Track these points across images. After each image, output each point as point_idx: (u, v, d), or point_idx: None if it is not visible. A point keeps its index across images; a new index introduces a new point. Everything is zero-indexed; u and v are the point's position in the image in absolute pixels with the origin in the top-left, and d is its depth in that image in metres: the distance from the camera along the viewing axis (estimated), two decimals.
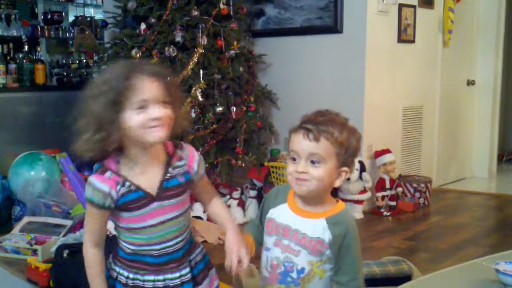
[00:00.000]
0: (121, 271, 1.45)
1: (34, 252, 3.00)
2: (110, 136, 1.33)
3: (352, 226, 1.45)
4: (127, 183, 1.38)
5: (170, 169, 1.43)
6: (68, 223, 3.29)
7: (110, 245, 1.49)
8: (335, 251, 1.43)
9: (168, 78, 1.40)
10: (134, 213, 1.40)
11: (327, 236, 1.42)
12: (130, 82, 1.32)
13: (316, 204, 1.46)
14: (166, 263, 1.44)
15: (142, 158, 1.39)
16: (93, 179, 1.38)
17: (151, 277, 1.43)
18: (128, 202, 1.38)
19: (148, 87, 1.33)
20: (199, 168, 1.49)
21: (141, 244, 1.42)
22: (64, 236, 3.12)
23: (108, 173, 1.37)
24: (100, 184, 1.37)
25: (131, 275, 1.44)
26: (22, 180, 3.70)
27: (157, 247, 1.43)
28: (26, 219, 3.37)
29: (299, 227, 1.45)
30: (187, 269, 1.46)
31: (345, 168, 1.42)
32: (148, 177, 1.40)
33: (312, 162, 1.39)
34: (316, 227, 1.44)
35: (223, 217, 1.55)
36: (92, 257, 1.43)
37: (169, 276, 1.44)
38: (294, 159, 1.41)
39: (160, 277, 1.44)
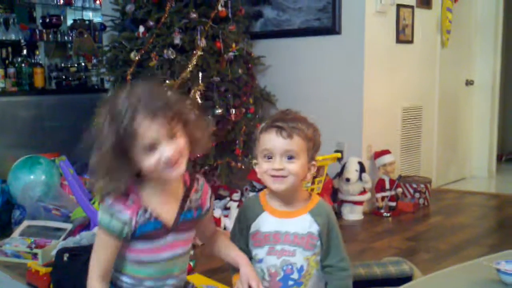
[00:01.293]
0: None
1: (34, 256, 3.00)
2: (122, 178, 1.25)
3: (330, 212, 1.53)
4: (148, 211, 1.30)
5: (187, 202, 1.38)
6: (68, 226, 3.29)
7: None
8: (324, 239, 1.49)
9: (174, 105, 1.28)
10: (148, 245, 1.32)
11: (314, 228, 1.48)
12: (132, 127, 1.21)
13: (294, 202, 1.51)
14: None
15: (161, 187, 1.33)
16: (113, 204, 1.27)
17: None
18: (146, 233, 1.30)
19: (153, 128, 1.23)
20: (210, 204, 1.46)
21: (144, 278, 1.35)
22: (64, 239, 3.11)
23: (130, 199, 1.28)
24: (121, 211, 1.27)
25: None
26: (21, 184, 3.69)
27: (160, 283, 1.36)
28: (26, 223, 3.36)
29: (288, 229, 1.49)
30: None
31: (313, 162, 1.50)
32: (166, 208, 1.34)
33: (288, 158, 1.45)
34: (304, 223, 1.49)
35: (235, 253, 1.49)
36: None
37: None
38: (269, 157, 1.46)
39: None
